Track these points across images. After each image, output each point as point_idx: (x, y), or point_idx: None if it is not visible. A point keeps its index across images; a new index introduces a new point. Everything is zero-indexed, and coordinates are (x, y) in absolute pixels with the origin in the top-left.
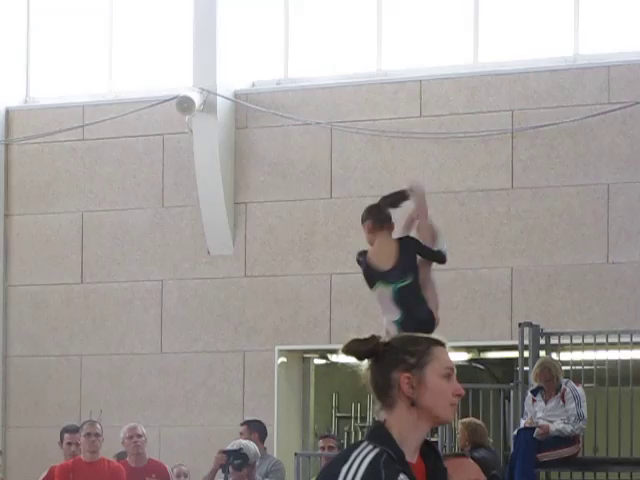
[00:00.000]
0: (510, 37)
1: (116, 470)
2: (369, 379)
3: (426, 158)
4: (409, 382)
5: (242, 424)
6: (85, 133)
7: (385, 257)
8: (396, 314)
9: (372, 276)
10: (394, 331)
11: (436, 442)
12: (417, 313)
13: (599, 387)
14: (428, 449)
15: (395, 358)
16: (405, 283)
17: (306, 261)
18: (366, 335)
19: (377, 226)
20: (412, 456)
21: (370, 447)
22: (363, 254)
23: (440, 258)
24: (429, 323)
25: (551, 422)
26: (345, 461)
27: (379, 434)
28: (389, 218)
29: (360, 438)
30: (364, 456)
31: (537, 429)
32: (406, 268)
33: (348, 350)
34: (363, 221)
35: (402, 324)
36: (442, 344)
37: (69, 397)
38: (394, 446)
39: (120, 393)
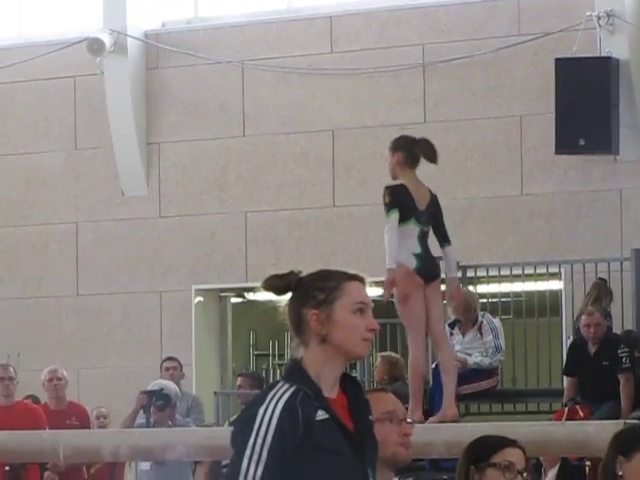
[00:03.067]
0: None
1: (34, 412)
2: (287, 315)
3: (338, 94)
4: (317, 318)
5: (166, 360)
6: None
7: (421, 197)
8: (418, 249)
9: (409, 210)
10: (411, 263)
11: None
12: (432, 256)
13: (516, 319)
14: (349, 382)
15: (305, 294)
16: (429, 229)
17: (220, 200)
18: (285, 271)
19: (408, 163)
20: (331, 391)
21: (286, 386)
22: (400, 186)
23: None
24: (439, 269)
25: (469, 355)
26: (262, 402)
27: (295, 372)
28: (419, 160)
29: (278, 376)
30: (280, 396)
31: (456, 362)
32: (431, 216)
33: (266, 286)
34: (394, 150)
35: (423, 258)
36: (358, 279)
37: None
38: (310, 383)
39: (37, 336)
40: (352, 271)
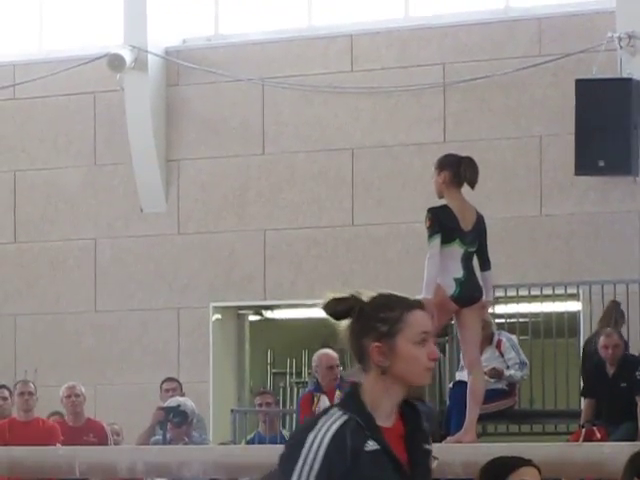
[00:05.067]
0: None
1: (51, 429)
2: (346, 340)
3: (358, 113)
4: (379, 351)
5: (166, 381)
6: (16, 92)
7: (467, 217)
8: (460, 273)
9: (453, 231)
10: (450, 289)
11: None
12: (475, 277)
13: (534, 340)
14: (408, 409)
15: (367, 325)
16: (474, 249)
17: (240, 217)
18: (345, 294)
19: (455, 182)
20: (386, 420)
21: (339, 414)
22: (442, 208)
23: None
24: (481, 291)
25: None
26: (312, 428)
27: (350, 400)
28: (465, 179)
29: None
30: (331, 424)
31: (491, 371)
32: (476, 236)
33: (327, 309)
34: (440, 168)
35: (463, 283)
36: (419, 306)
37: (4, 357)
38: (363, 412)
39: (55, 352)
40: (412, 298)
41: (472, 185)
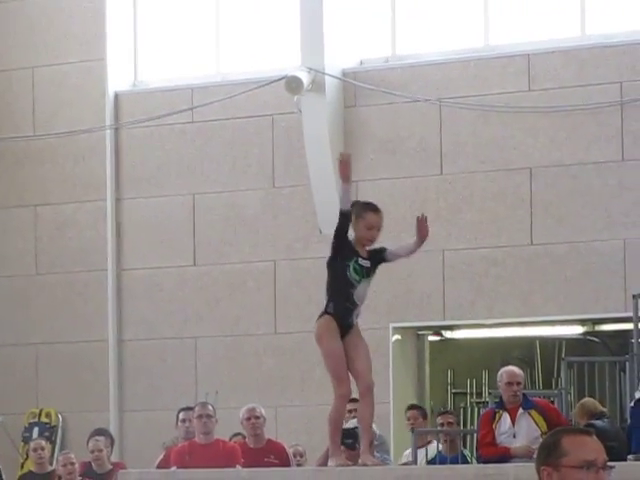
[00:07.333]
0: (617, 8)
1: (231, 450)
2: None
3: (536, 132)
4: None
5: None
6: (194, 115)
7: None
8: None
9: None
10: None
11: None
12: None
13: None
14: None
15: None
16: None
17: None
18: None
19: None
20: None
21: None
22: None
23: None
24: None
25: None
26: None
27: None
28: None
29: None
30: None
31: None
32: None
33: None
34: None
35: None
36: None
37: (184, 380)
38: None
39: (236, 374)
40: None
41: None
